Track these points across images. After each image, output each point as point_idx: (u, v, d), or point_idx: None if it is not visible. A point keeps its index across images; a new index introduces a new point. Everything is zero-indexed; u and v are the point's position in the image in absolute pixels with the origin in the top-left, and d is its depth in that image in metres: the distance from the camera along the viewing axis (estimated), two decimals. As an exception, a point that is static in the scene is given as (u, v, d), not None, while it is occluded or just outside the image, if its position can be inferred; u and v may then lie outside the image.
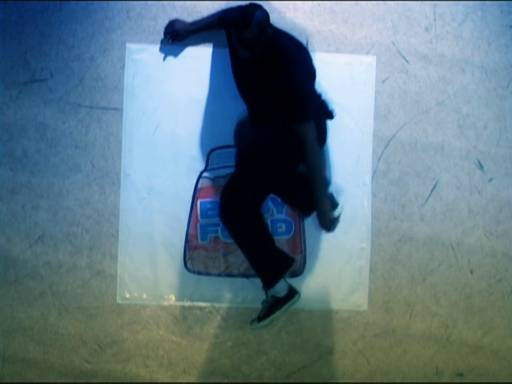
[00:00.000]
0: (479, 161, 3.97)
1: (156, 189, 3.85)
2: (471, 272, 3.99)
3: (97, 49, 3.80)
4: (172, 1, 3.81)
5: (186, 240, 3.87)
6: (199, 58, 3.83)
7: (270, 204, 3.87)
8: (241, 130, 3.80)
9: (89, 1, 3.78)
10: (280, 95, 3.34)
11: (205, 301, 3.89)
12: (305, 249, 3.90)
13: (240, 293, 3.90)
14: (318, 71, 3.64)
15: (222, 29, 3.63)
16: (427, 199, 3.96)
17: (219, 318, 3.90)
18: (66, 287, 3.84)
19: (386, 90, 3.92)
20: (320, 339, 3.93)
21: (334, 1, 3.87)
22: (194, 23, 3.76)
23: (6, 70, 3.77)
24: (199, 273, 3.88)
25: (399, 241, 3.95)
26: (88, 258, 3.84)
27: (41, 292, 3.83)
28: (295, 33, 3.69)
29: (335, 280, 3.92)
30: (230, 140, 3.84)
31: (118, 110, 3.82)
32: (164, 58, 3.82)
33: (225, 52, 3.60)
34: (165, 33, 3.78)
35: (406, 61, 3.92)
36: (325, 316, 3.93)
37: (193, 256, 3.88)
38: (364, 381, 3.96)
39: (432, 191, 3.96)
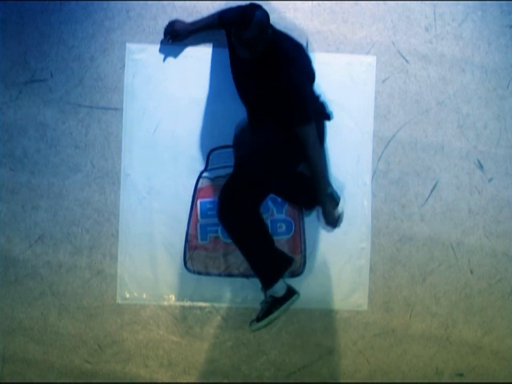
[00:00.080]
0: (479, 161, 3.97)
1: (156, 189, 3.85)
2: (471, 272, 3.99)
3: (97, 49, 3.80)
4: (172, 1, 3.81)
5: (186, 240, 3.87)
6: (199, 58, 3.82)
7: (270, 203, 3.87)
8: (241, 137, 3.79)
9: (89, 1, 3.78)
10: (280, 95, 3.35)
11: (205, 301, 3.89)
12: (305, 249, 3.90)
13: (240, 293, 3.90)
14: (318, 71, 3.65)
15: (222, 29, 3.63)
16: (427, 199, 3.96)
17: (219, 318, 3.90)
18: (66, 287, 3.84)
19: (386, 90, 3.92)
20: (320, 339, 3.93)
21: (334, 1, 3.87)
22: (194, 23, 3.76)
23: (6, 70, 3.77)
24: (199, 273, 3.88)
25: (399, 241, 3.95)
26: (88, 258, 3.84)
27: (41, 291, 3.83)
28: (295, 33, 3.70)
29: (335, 280, 3.92)
30: (230, 140, 3.84)
31: (118, 110, 3.82)
32: (164, 58, 3.82)
33: (225, 52, 3.60)
34: (165, 34, 3.78)
35: (406, 61, 3.92)
36: (325, 316, 3.92)
37: (193, 256, 3.88)
38: (364, 381, 3.95)
39: (432, 191, 3.96)
